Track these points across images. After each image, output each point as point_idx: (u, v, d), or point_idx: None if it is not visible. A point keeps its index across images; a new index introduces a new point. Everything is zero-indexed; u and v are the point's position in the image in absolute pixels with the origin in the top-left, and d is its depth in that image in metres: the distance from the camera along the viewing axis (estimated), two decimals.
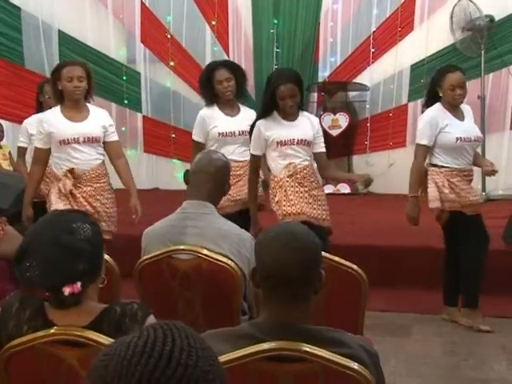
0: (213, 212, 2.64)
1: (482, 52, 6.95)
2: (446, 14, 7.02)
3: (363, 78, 7.77)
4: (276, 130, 3.73)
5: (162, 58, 8.31)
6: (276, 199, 3.74)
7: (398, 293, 4.42)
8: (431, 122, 3.99)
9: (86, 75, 3.76)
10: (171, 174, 7.89)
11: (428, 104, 4.10)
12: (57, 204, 3.69)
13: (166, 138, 8.06)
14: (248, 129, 3.95)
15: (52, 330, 1.67)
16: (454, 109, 4.04)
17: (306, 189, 3.73)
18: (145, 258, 2.52)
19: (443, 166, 4.00)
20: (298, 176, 3.72)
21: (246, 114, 4.18)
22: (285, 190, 3.71)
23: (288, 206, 3.68)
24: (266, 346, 1.52)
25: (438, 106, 4.04)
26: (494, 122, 7.37)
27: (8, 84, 7.36)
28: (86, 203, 3.75)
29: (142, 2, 8.28)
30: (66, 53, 7.68)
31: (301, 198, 3.69)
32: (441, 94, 4.00)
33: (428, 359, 3.67)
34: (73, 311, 1.69)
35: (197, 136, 4.19)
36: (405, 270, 4.44)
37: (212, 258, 2.43)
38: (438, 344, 3.89)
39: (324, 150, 3.89)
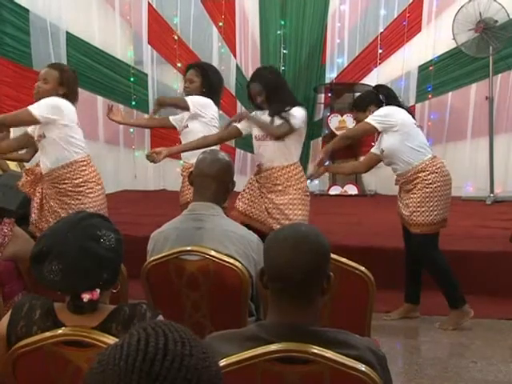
0: (219, 213, 2.64)
1: (490, 52, 6.93)
2: (454, 15, 7.01)
3: (370, 79, 7.76)
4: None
5: (169, 59, 8.33)
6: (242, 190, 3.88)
7: (403, 294, 4.39)
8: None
9: (60, 80, 3.67)
10: (178, 175, 7.90)
11: None
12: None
13: (173, 139, 8.07)
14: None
15: (60, 331, 1.67)
16: None
17: (266, 191, 3.73)
18: (152, 258, 2.52)
19: None
20: (261, 175, 3.77)
21: None
22: (247, 187, 3.83)
23: (240, 201, 3.79)
24: (273, 347, 1.52)
25: None
26: (502, 123, 7.35)
27: (16, 85, 7.38)
28: (37, 202, 3.69)
29: (149, 3, 8.30)
30: (73, 54, 7.70)
31: (255, 198, 3.74)
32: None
33: (435, 361, 3.66)
34: (87, 313, 1.70)
35: None
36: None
37: (219, 259, 2.43)
38: (445, 346, 3.88)
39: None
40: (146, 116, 8.47)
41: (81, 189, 3.65)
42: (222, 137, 3.96)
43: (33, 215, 3.68)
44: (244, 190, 3.85)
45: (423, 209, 3.96)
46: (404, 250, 4.26)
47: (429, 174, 3.96)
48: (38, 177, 3.72)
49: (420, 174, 3.97)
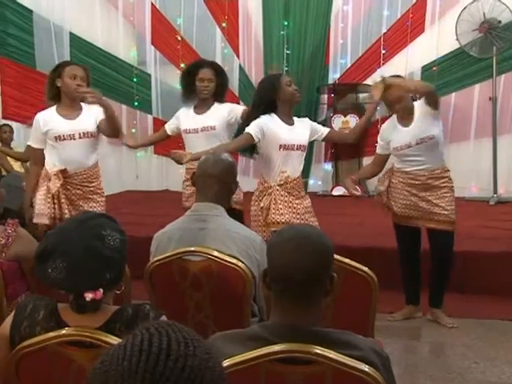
0: (222, 214, 2.65)
1: (494, 53, 6.93)
2: (457, 15, 7.00)
3: (374, 80, 7.74)
4: (280, 131, 3.67)
5: (172, 59, 8.34)
6: (261, 205, 3.67)
7: None
8: (381, 134, 4.18)
9: (87, 80, 3.77)
10: (181, 175, 7.91)
11: None
12: (40, 206, 3.69)
13: (176, 140, 8.07)
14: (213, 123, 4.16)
15: (63, 331, 1.67)
16: (408, 116, 4.02)
17: (294, 198, 3.69)
18: (155, 259, 2.52)
19: (395, 167, 4.16)
20: (287, 186, 3.68)
21: (216, 110, 4.24)
22: (274, 198, 3.65)
23: (277, 214, 3.63)
24: (276, 347, 1.52)
25: (393, 117, 4.11)
26: (506, 124, 7.34)
27: (19, 86, 7.40)
28: (66, 209, 3.69)
29: (152, 4, 8.32)
30: (76, 55, 7.72)
31: (289, 207, 3.66)
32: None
33: (438, 362, 3.65)
34: (89, 313, 1.70)
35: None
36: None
37: (222, 259, 2.43)
38: (448, 347, 3.87)
39: (328, 128, 4.00)
40: (149, 116, 8.50)
41: (101, 186, 3.88)
42: (238, 146, 3.76)
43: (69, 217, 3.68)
44: (276, 203, 3.63)
45: (454, 207, 4.04)
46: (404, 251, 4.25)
47: (450, 175, 4.08)
48: (65, 177, 3.73)
49: (447, 174, 4.05)
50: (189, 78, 4.26)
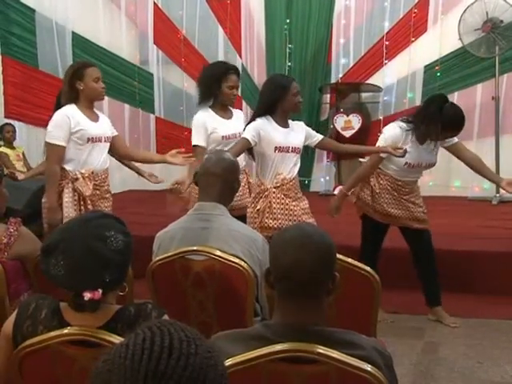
0: (224, 213, 2.65)
1: (497, 52, 6.92)
2: (460, 15, 6.99)
3: (376, 79, 7.76)
4: (275, 134, 3.67)
5: (174, 59, 8.34)
6: (258, 207, 3.67)
7: (409, 295, 4.39)
8: (394, 141, 3.91)
9: None
10: (183, 175, 7.90)
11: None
12: (69, 209, 3.62)
13: (177, 140, 8.09)
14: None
15: (65, 330, 1.67)
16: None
17: (291, 200, 3.70)
18: (158, 258, 2.52)
19: (382, 170, 4.11)
20: (283, 187, 3.68)
21: (238, 116, 4.23)
22: (269, 201, 3.65)
23: (270, 218, 3.64)
24: (279, 347, 1.51)
25: (406, 129, 3.95)
26: (509, 123, 7.33)
27: (22, 85, 7.40)
28: (91, 210, 3.66)
29: (154, 3, 8.32)
30: (79, 54, 7.72)
31: (285, 209, 3.66)
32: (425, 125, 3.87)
33: (441, 361, 3.65)
34: (88, 312, 1.70)
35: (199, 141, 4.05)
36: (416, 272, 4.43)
37: (225, 258, 2.43)
38: (450, 346, 3.87)
39: (321, 136, 3.98)
40: (151, 116, 8.49)
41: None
42: (236, 152, 3.55)
43: None
44: (271, 207, 3.64)
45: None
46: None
47: None
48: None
49: None
50: (214, 82, 4.07)
